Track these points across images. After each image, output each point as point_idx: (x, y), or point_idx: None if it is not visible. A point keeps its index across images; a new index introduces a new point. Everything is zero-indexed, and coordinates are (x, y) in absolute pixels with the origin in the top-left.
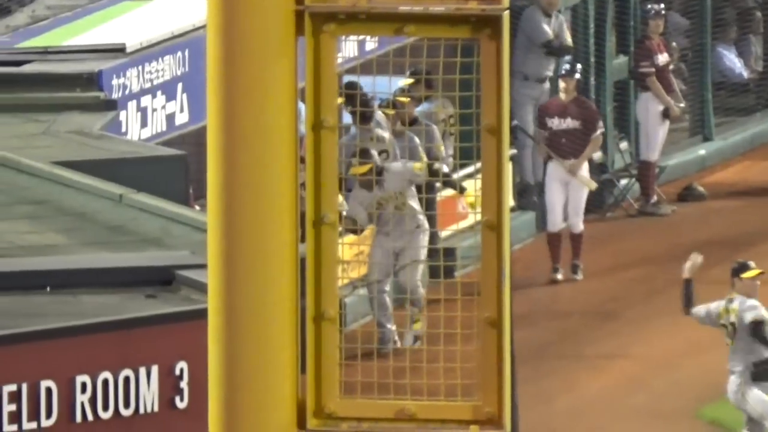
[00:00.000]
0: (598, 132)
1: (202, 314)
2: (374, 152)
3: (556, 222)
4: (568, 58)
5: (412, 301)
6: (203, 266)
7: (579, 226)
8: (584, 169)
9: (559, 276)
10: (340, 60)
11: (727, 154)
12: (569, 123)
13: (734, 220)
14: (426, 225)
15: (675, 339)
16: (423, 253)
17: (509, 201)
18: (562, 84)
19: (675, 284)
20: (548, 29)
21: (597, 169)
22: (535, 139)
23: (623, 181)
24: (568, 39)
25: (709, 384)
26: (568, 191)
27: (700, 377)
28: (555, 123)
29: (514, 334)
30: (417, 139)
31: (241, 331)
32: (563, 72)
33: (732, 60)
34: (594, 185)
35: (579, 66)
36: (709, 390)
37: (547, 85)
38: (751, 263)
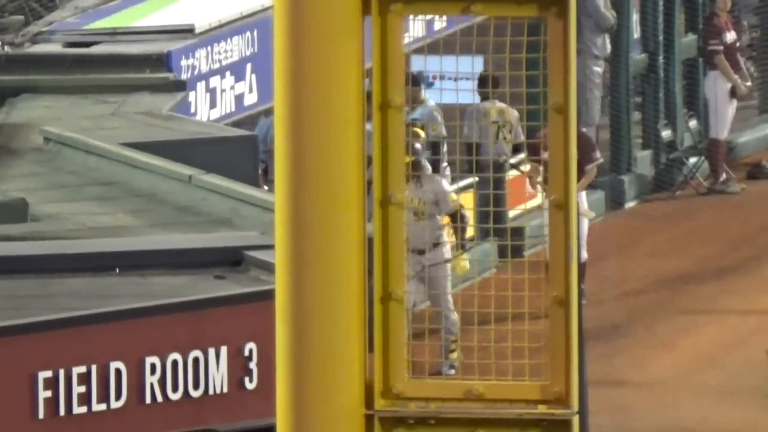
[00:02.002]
0: (593, 164)
1: (270, 295)
2: (418, 146)
3: None
4: None
5: (446, 328)
6: (272, 247)
7: (582, 255)
8: (582, 199)
9: None
10: (407, 40)
11: None
12: None
13: None
14: (446, 242)
15: (746, 317)
16: (447, 270)
17: (576, 180)
18: None
19: (745, 262)
20: (606, 11)
21: (666, 147)
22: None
23: (692, 160)
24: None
25: None
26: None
27: None
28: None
29: (584, 312)
30: None
31: (308, 312)
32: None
33: None
34: (592, 215)
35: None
36: None
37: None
38: None
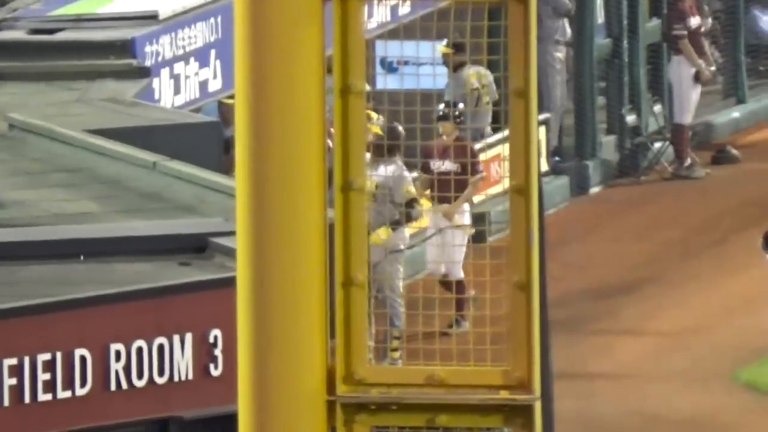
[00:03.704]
0: (478, 176)
1: (235, 282)
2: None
3: (435, 270)
4: (444, 102)
5: (390, 318)
6: (236, 233)
7: (458, 273)
8: (465, 213)
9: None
10: (372, 26)
11: (761, 116)
12: (448, 165)
13: (756, 183)
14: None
15: (710, 302)
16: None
17: (538, 165)
18: (440, 128)
19: (710, 246)
20: None
21: (631, 132)
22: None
23: (657, 144)
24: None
25: (745, 346)
26: (443, 237)
27: (736, 340)
28: (436, 165)
29: (548, 298)
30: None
31: (270, 298)
32: (440, 114)
33: (767, 22)
34: (471, 231)
35: (461, 105)
36: (744, 353)
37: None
38: None
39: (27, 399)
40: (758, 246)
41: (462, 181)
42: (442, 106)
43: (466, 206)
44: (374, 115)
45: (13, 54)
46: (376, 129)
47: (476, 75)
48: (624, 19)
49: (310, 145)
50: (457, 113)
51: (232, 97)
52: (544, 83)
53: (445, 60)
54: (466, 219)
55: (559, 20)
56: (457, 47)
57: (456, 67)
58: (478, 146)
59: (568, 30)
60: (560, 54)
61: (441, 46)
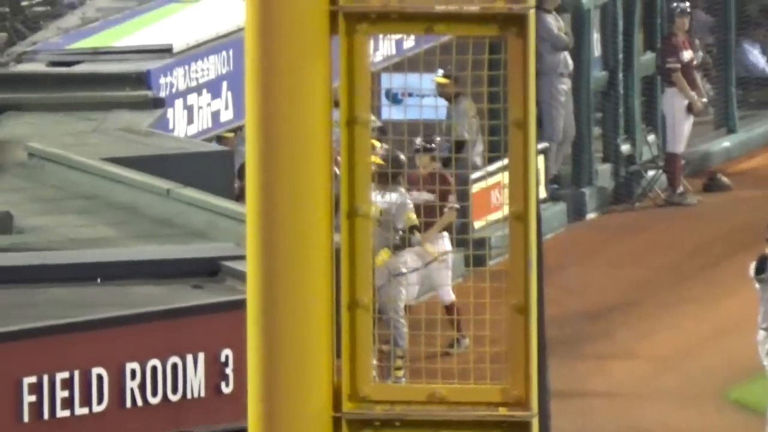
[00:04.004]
0: (449, 206)
1: (245, 304)
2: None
3: (411, 294)
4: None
5: (394, 337)
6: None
7: (448, 296)
8: (443, 240)
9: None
10: (377, 59)
11: (751, 145)
12: (425, 196)
13: (758, 209)
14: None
15: (702, 324)
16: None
17: (536, 192)
18: (417, 160)
19: (702, 270)
20: (560, 32)
21: (626, 160)
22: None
23: (651, 173)
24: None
25: (735, 367)
26: (425, 266)
27: (727, 360)
28: (414, 196)
29: (546, 319)
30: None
31: (279, 320)
32: (416, 148)
33: (756, 56)
34: (449, 256)
35: (438, 139)
36: (735, 372)
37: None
38: None
39: (46, 415)
40: (749, 271)
41: (439, 210)
42: (418, 140)
43: (445, 234)
44: (378, 143)
45: (32, 85)
46: (377, 159)
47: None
48: (620, 52)
49: (318, 173)
50: (432, 146)
51: (232, 130)
52: (547, 114)
53: (442, 91)
54: (447, 245)
55: (560, 54)
56: (455, 78)
57: (453, 98)
58: (475, 175)
59: (570, 62)
60: (565, 86)
61: (437, 77)
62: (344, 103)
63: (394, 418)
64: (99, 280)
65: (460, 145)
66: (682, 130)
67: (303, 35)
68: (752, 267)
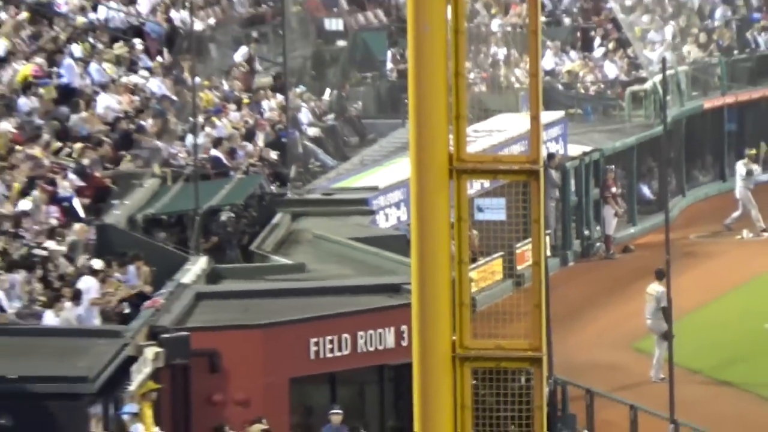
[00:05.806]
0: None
1: (411, 303)
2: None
3: None
4: None
5: None
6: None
7: None
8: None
9: None
10: (472, 191)
11: (644, 231)
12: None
13: (646, 260)
14: None
15: (614, 317)
16: None
17: (545, 253)
18: None
19: (620, 289)
20: (555, 178)
21: (587, 237)
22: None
23: (597, 244)
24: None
25: (636, 333)
26: None
27: (632, 331)
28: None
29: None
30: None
31: (428, 313)
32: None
33: (646, 192)
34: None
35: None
36: (636, 335)
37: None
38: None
39: (322, 356)
40: (652, 280)
41: None
42: None
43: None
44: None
45: (312, 204)
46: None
47: None
48: (584, 187)
49: (442, 251)
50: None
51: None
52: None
53: None
54: None
55: (555, 189)
56: None
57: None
58: (518, 245)
59: (558, 193)
60: (553, 203)
61: None
62: (456, 212)
63: (480, 356)
64: (346, 294)
65: None
66: (611, 223)
67: (436, 178)
68: (649, 287)
